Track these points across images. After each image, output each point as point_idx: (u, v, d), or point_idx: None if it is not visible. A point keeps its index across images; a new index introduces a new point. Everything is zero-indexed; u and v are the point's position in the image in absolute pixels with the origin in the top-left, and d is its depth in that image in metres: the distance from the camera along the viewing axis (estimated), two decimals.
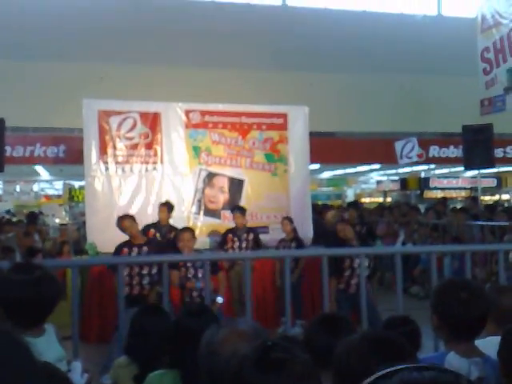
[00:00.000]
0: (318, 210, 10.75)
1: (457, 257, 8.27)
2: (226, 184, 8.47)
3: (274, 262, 7.52)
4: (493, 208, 11.23)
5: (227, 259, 7.00)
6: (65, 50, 10.81)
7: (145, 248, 6.03)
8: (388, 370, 0.91)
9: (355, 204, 11.11)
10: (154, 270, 5.83)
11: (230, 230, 7.71)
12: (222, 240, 7.72)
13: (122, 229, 6.16)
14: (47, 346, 2.20)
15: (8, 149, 10.14)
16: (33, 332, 2.20)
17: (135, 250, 6.01)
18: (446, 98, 12.75)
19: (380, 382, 0.89)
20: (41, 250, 6.69)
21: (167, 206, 7.48)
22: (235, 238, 7.57)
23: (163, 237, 7.27)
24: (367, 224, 8.39)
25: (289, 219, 7.77)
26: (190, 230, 6.14)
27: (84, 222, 8.66)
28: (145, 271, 5.80)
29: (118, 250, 6.06)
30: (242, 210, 7.74)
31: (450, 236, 9.28)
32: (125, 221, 6.17)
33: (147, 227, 7.29)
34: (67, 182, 17.27)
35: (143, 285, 5.83)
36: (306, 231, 8.67)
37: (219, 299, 5.89)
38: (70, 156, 10.51)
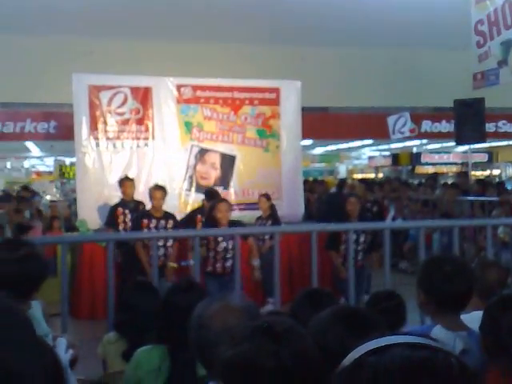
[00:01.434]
0: (309, 187, 10.73)
1: (446, 232, 8.33)
2: (217, 160, 8.44)
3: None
4: (484, 183, 11.28)
5: (257, 234, 6.95)
6: (54, 23, 10.63)
7: (162, 222, 6.37)
8: (377, 345, 0.90)
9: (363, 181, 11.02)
10: (169, 243, 6.24)
11: (198, 211, 7.46)
12: (189, 219, 7.47)
13: (152, 197, 6.48)
14: (35, 320, 2.21)
15: None
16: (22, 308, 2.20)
17: (154, 222, 6.34)
18: (438, 72, 12.68)
19: (370, 359, 0.88)
20: (32, 226, 6.67)
21: (132, 181, 7.34)
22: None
23: (133, 212, 7.10)
24: (378, 202, 8.27)
25: (266, 196, 7.54)
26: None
27: (75, 199, 8.64)
28: (160, 243, 5.83)
29: (138, 220, 6.45)
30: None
31: (440, 211, 9.33)
32: (159, 191, 6.45)
33: (114, 208, 7.15)
34: (58, 158, 17.23)
35: (158, 256, 5.82)
36: (298, 207, 8.69)
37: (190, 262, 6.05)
38: (61, 132, 10.42)
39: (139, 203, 7.26)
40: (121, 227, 7.03)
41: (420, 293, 2.34)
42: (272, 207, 7.56)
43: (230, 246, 5.81)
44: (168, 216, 6.54)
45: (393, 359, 0.85)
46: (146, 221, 6.36)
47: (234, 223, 6.11)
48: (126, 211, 7.11)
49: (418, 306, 2.40)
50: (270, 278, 6.97)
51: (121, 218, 7.07)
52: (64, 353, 1.94)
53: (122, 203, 7.18)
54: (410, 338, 0.92)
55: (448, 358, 0.87)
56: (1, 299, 0.91)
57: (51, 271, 7.04)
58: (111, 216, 7.11)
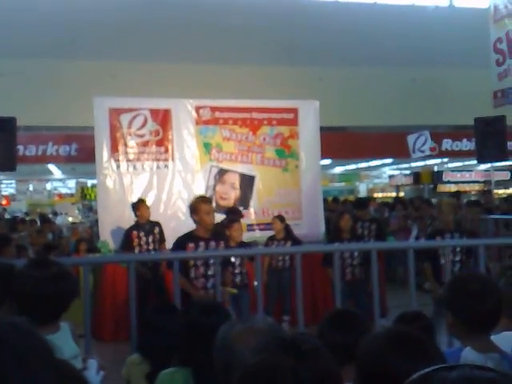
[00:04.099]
0: (329, 207, 10.65)
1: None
2: (237, 180, 8.46)
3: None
4: (510, 201, 11.10)
5: (278, 253, 7.05)
6: (76, 47, 10.83)
7: (212, 243, 5.13)
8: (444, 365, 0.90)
9: (364, 200, 10.90)
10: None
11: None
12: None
13: (197, 210, 5.14)
14: (62, 343, 2.19)
15: (20, 148, 10.22)
16: (48, 329, 2.19)
17: (202, 244, 5.08)
18: (458, 91, 12.62)
19: (438, 374, 0.89)
20: (57, 246, 6.73)
21: (146, 203, 7.34)
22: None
23: (148, 234, 7.14)
24: (377, 221, 8.29)
25: (279, 218, 7.54)
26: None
27: (97, 220, 8.70)
28: (211, 271, 4.90)
29: (181, 244, 5.08)
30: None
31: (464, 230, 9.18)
32: (204, 205, 5.15)
33: (129, 231, 7.16)
34: (80, 180, 17.45)
35: (208, 288, 4.99)
36: (318, 227, 8.64)
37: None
38: (83, 154, 10.54)
39: (155, 224, 7.28)
40: (136, 250, 7.01)
41: (447, 314, 2.28)
42: (287, 228, 7.54)
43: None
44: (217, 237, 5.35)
45: (462, 376, 0.86)
46: (191, 244, 5.10)
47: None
48: (141, 234, 7.13)
49: (447, 328, 2.33)
50: (288, 297, 7.07)
51: (136, 242, 7.09)
52: (95, 374, 1.92)
53: (137, 226, 7.19)
54: (472, 364, 0.92)
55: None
56: (23, 325, 0.90)
57: None
58: (126, 240, 7.13)
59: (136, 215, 7.20)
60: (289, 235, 7.46)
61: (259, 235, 7.92)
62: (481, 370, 0.87)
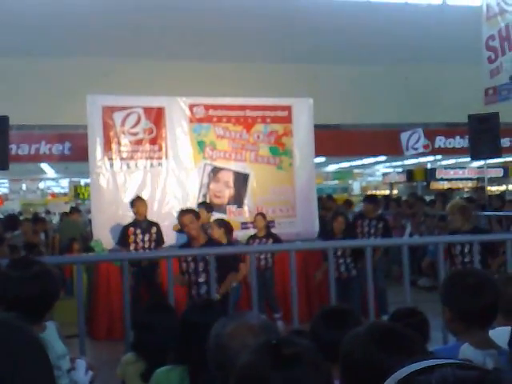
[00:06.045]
0: (323, 204, 10.63)
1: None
2: (231, 178, 8.44)
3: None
4: (503, 198, 11.15)
5: (269, 251, 7.03)
6: (67, 46, 10.78)
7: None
8: (425, 364, 0.86)
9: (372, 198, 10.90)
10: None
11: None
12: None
13: (181, 225, 5.17)
14: (49, 343, 2.17)
15: (13, 147, 10.14)
16: (35, 328, 2.16)
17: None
18: (451, 88, 12.64)
19: (419, 377, 0.84)
20: (37, 244, 6.72)
21: (144, 201, 7.32)
22: None
23: (144, 232, 7.13)
24: (384, 219, 8.21)
25: (262, 215, 7.51)
26: (192, 212, 5.34)
27: (90, 220, 8.66)
28: (201, 279, 4.90)
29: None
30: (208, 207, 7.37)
31: None
32: (184, 216, 5.10)
33: (126, 227, 7.16)
34: (73, 179, 17.38)
35: (201, 295, 4.93)
36: (312, 224, 8.64)
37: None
38: (76, 153, 10.48)
39: (152, 224, 7.25)
40: (132, 247, 7.00)
41: (445, 310, 2.27)
42: (268, 226, 7.54)
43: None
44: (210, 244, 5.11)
45: (445, 378, 0.81)
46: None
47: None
48: (138, 231, 7.11)
49: (445, 324, 2.32)
50: (272, 295, 7.08)
51: (132, 238, 7.07)
52: (84, 374, 1.90)
53: (134, 223, 7.18)
54: (453, 360, 0.89)
55: (499, 378, 0.84)
56: (13, 321, 0.88)
57: (68, 292, 7.07)
58: (122, 236, 7.12)
59: (133, 212, 7.19)
60: (269, 233, 7.45)
61: (253, 232, 7.92)
62: (462, 370, 0.83)
